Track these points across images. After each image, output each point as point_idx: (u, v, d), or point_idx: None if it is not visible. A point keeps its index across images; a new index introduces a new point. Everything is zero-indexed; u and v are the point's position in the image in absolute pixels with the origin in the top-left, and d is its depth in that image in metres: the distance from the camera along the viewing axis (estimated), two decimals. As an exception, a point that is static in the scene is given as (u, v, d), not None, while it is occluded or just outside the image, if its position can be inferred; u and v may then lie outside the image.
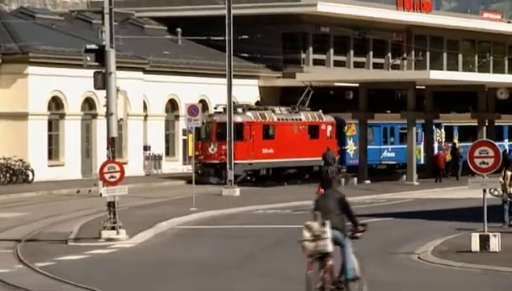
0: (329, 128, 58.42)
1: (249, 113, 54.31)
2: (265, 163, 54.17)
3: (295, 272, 23.25)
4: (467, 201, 37.56)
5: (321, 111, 60.08)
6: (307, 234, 16.52)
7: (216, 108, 55.96)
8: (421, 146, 61.99)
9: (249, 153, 53.04)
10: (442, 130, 65.42)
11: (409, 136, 58.01)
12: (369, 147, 59.40)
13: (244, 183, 51.23)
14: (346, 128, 60.37)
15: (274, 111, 56.44)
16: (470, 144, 64.29)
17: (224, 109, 51.84)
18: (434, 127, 63.17)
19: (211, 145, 52.73)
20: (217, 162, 51.87)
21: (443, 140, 65.11)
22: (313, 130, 57.52)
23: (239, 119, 52.70)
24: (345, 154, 60.16)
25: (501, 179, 30.24)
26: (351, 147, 60.29)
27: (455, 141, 63.91)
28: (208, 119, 53.74)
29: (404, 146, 58.44)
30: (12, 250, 27.15)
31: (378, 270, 23.07)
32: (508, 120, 67.28)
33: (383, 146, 61.48)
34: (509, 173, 30.75)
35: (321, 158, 53.57)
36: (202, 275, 22.98)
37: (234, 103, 55.48)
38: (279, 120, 55.74)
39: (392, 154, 61.78)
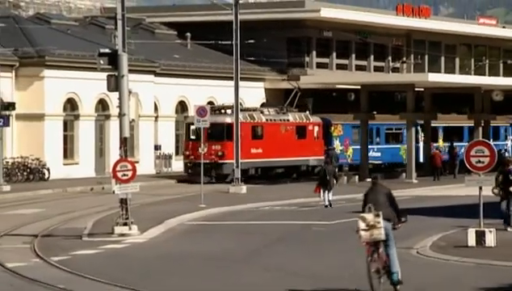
0: (316, 128, 57.67)
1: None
2: (254, 163, 52.79)
3: (299, 266, 23.32)
4: (463, 198, 37.57)
5: (307, 111, 59.55)
6: (362, 224, 17.62)
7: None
8: (406, 146, 61.48)
9: (239, 153, 52.63)
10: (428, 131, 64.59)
11: (408, 136, 57.96)
12: (355, 147, 59.10)
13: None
14: (332, 128, 59.48)
15: (262, 112, 55.71)
16: (454, 144, 63.42)
17: (215, 110, 51.78)
18: (419, 127, 62.60)
19: (202, 146, 52.08)
20: (208, 161, 50.56)
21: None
22: (301, 130, 56.71)
23: (228, 119, 51.88)
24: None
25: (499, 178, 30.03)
26: (337, 147, 59.41)
27: (440, 141, 63.45)
28: None
29: (390, 146, 58.33)
30: (29, 244, 27.20)
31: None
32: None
33: (369, 146, 59.96)
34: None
35: (307, 158, 53.38)
36: (210, 269, 23.01)
37: (223, 104, 55.26)
38: (267, 120, 54.71)
39: (378, 154, 60.74)
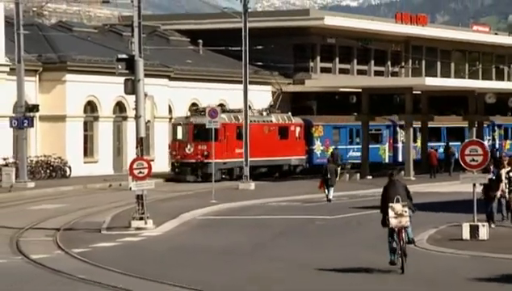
0: (298, 129, 56.32)
1: (223, 115, 50.54)
2: (238, 162, 50.40)
3: (301, 257, 23.30)
4: (458, 195, 37.50)
5: (290, 113, 58.63)
6: (391, 213, 19.62)
7: (195, 110, 54.05)
8: (386, 146, 60.89)
9: (224, 153, 50.75)
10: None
11: (406, 136, 57.91)
12: (335, 147, 57.46)
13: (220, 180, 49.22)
14: (313, 129, 58.05)
15: None
16: (433, 144, 62.26)
17: (200, 111, 50.57)
18: (398, 128, 61.96)
19: (188, 146, 50.50)
20: (194, 161, 49.84)
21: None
22: (283, 131, 55.23)
23: None
24: (312, 154, 57.83)
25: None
26: (318, 147, 58.10)
27: (418, 141, 62.01)
28: (185, 121, 52.12)
29: (370, 146, 56.91)
30: (52, 237, 27.25)
31: (379, 256, 23.07)
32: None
33: (349, 146, 59.14)
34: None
35: (290, 158, 52.77)
36: (220, 261, 23.00)
37: (208, 105, 54.16)
38: (251, 121, 52.11)
39: (358, 154, 58.41)
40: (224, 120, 50.75)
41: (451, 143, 61.01)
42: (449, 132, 64.80)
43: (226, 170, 51.55)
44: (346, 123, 60.41)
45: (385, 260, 21.77)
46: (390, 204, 19.70)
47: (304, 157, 56.08)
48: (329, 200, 39.42)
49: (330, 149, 57.51)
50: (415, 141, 62.26)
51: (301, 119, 57.46)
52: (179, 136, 51.69)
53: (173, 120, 55.04)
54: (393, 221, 19.62)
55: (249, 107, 51.50)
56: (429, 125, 61.75)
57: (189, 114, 53.74)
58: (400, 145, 62.07)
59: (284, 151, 52.94)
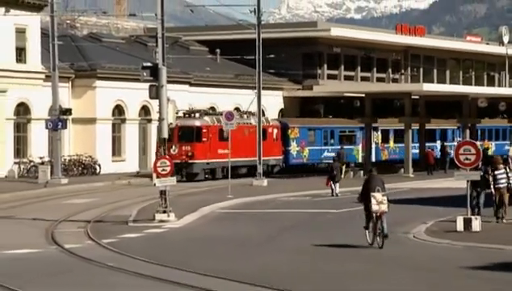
0: (275, 131, 53.90)
1: (206, 118, 49.78)
2: (220, 162, 48.51)
3: (310, 247, 23.30)
4: (453, 190, 37.40)
5: (267, 115, 56.93)
6: (373, 201, 21.63)
7: (177, 113, 51.76)
8: (360, 147, 58.91)
9: (207, 154, 48.85)
10: (379, 133, 61.20)
11: (405, 137, 57.80)
12: (311, 148, 56.23)
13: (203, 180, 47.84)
14: (289, 131, 55.42)
15: None
16: (403, 145, 59.01)
17: (184, 114, 49.49)
18: (371, 130, 59.45)
19: (173, 147, 47.45)
20: (179, 161, 46.55)
21: (380, 141, 61.27)
22: (262, 133, 50.78)
23: (198, 123, 49.15)
24: (288, 154, 55.30)
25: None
26: (294, 148, 55.61)
27: (390, 142, 61.22)
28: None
29: (344, 147, 55.02)
30: (83, 229, 27.33)
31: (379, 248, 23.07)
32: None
33: (323, 147, 56.55)
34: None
35: (268, 158, 51.12)
36: (235, 250, 23.02)
37: (192, 108, 51.96)
38: None
39: (332, 154, 54.82)
40: (207, 123, 49.41)
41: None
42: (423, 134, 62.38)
43: (209, 170, 49.42)
44: (321, 125, 58.66)
45: (383, 249, 21.84)
46: (372, 194, 21.69)
47: (280, 157, 53.98)
48: (336, 195, 39.75)
49: (305, 150, 56.15)
50: (388, 141, 61.46)
51: (278, 121, 55.78)
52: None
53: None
54: (375, 207, 21.59)
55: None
56: (400, 127, 59.91)
57: (177, 115, 52.25)
58: (372, 145, 59.07)
59: (263, 152, 49.30)
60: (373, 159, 57.45)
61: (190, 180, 47.06)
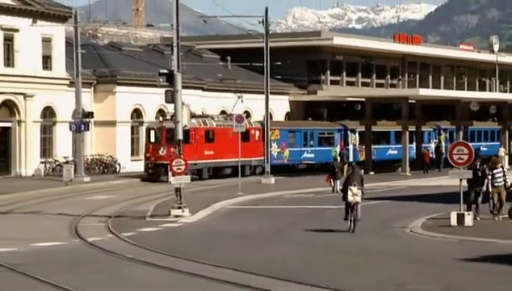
0: (257, 133, 51.65)
1: (193, 120, 46.62)
2: (207, 163, 47.51)
3: (314, 240, 23.30)
4: (447, 188, 37.36)
5: (250, 118, 55.65)
6: (350, 193, 24.05)
7: (163, 116, 49.60)
8: (338, 148, 56.57)
9: (194, 155, 46.32)
10: (357, 135, 59.50)
11: (403, 138, 57.74)
12: (291, 149, 54.58)
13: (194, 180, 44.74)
14: (270, 133, 52.00)
15: (213, 119, 50.16)
16: (382, 146, 58.58)
17: (171, 117, 46.42)
18: (349, 132, 58.63)
19: (161, 148, 46.10)
20: (167, 162, 44.28)
21: (357, 143, 59.50)
22: (245, 135, 48.61)
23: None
24: (270, 155, 51.64)
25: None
26: (275, 149, 53.58)
27: (370, 144, 58.26)
28: (158, 125, 47.75)
29: (322, 148, 54.35)
30: (104, 223, 27.38)
31: (380, 240, 23.10)
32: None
33: (303, 148, 54.55)
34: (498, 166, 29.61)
35: (251, 159, 49.46)
36: (244, 243, 23.02)
37: (203, 112, 50.13)
38: (217, 125, 48.86)
39: (312, 155, 55.02)
40: (194, 125, 47.26)
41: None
42: (399, 136, 59.97)
43: (196, 171, 46.96)
44: (300, 127, 57.01)
45: (381, 242, 21.83)
46: (349, 187, 24.12)
47: (262, 158, 51.34)
48: (337, 191, 39.55)
49: (286, 151, 54.64)
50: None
51: (260, 123, 52.84)
52: (152, 139, 47.59)
53: (147, 125, 50.30)
54: (350, 198, 24.08)
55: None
56: (381, 130, 59.17)
57: (161, 119, 48.98)
58: (350, 146, 58.45)
59: (246, 153, 47.51)
60: (351, 159, 56.09)
61: None
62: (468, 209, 26.62)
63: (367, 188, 42.13)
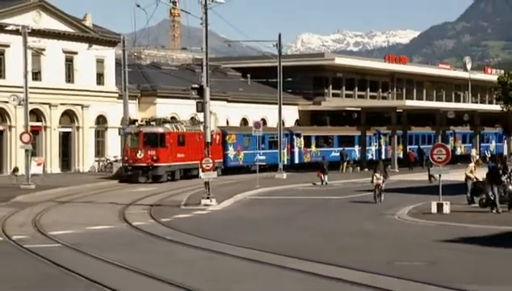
0: (218, 137, 47.14)
1: (167, 125, 43.76)
2: (179, 165, 43.51)
3: (320, 225, 23.24)
4: (428, 182, 37.13)
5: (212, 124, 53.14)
6: (375, 177, 30.29)
7: (142, 121, 45.31)
8: (285, 151, 51.97)
9: (169, 157, 42.74)
10: (302, 139, 55.45)
11: (392, 142, 57.48)
12: (246, 152, 50.59)
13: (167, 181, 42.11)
14: (227, 137, 49.65)
15: (183, 123, 45.92)
16: (325, 149, 56.09)
17: (147, 122, 43.82)
18: (295, 136, 54.45)
19: (139, 151, 41.93)
20: (144, 165, 41.77)
21: (302, 146, 55.47)
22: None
23: (161, 130, 42.90)
24: (227, 158, 49.69)
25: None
26: (232, 152, 49.98)
27: (312, 146, 55.91)
28: (136, 130, 43.00)
29: (272, 151, 49.85)
30: (147, 210, 27.35)
31: (373, 225, 22.99)
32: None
33: (256, 151, 49.79)
34: (471, 165, 28.98)
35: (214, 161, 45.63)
36: (262, 227, 22.94)
37: (153, 117, 46.07)
38: (187, 130, 44.81)
39: (263, 157, 50.39)
40: (169, 129, 43.41)
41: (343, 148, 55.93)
42: (341, 140, 58.14)
43: (170, 172, 43.24)
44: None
45: (376, 227, 21.72)
46: (374, 174, 30.37)
47: (221, 160, 48.76)
48: (326, 183, 40.26)
49: (241, 154, 50.22)
50: (310, 146, 56.00)
51: (219, 128, 48.98)
52: (130, 143, 42.90)
53: (126, 130, 44.94)
54: (375, 181, 30.20)
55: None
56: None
57: (139, 124, 44.57)
58: (296, 149, 54.44)
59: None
60: (296, 161, 53.41)
61: (155, 182, 41.36)
62: (486, 204, 24.90)
63: (363, 182, 42.58)
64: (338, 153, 54.83)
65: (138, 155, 40.31)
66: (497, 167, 25.98)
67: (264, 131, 51.71)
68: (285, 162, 52.00)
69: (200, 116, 37.17)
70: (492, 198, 25.14)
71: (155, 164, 42.01)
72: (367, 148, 59.47)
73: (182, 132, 44.30)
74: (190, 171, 44.12)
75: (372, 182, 30.32)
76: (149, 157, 41.86)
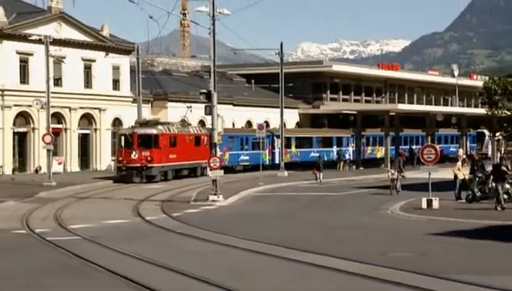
0: (206, 138, 44.26)
1: (160, 126, 41.84)
2: (171, 166, 41.90)
3: (320, 220, 23.21)
4: (419, 179, 37.11)
5: (199, 125, 50.15)
6: (390, 172, 32.65)
7: (136, 123, 43.49)
8: (267, 152, 50.97)
9: (162, 158, 41.05)
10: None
11: (385, 143, 57.39)
12: (230, 152, 48.79)
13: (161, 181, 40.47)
14: None
15: (174, 125, 43.83)
16: (306, 150, 55.31)
17: (140, 124, 42.13)
18: (275, 138, 51.96)
19: (134, 152, 40.11)
20: (138, 165, 40.05)
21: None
22: (197, 140, 44.93)
23: (155, 131, 41.05)
24: None
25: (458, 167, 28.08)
26: (218, 153, 50.43)
27: (292, 147, 54.43)
28: (130, 131, 41.20)
29: (255, 152, 47.53)
30: (159, 206, 27.34)
31: (368, 219, 22.96)
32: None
33: (240, 152, 49.08)
34: (458, 163, 28.97)
35: (201, 161, 42.40)
36: (265, 221, 22.92)
37: (145, 119, 44.33)
38: (178, 132, 43.14)
39: (247, 157, 49.35)
40: (162, 131, 41.58)
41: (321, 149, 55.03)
42: (320, 141, 56.95)
43: (163, 173, 41.55)
44: (238, 133, 51.27)
45: (372, 221, 21.69)
46: (389, 169, 33.09)
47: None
48: (320, 181, 40.04)
49: (226, 154, 48.14)
50: (290, 147, 53.96)
51: (207, 130, 44.79)
52: (124, 144, 41.02)
53: (120, 131, 43.88)
54: (391, 176, 32.21)
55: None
56: (300, 135, 55.77)
57: (133, 125, 43.01)
58: (276, 150, 52.13)
59: (198, 156, 43.22)
60: (277, 161, 51.12)
61: (149, 182, 39.65)
62: (472, 200, 24.65)
63: (359, 180, 42.52)
64: (317, 154, 52.85)
65: (132, 156, 39.16)
66: (501, 165, 25.34)
67: (247, 132, 51.13)
68: (267, 162, 50.59)
69: (208, 119, 37.21)
70: (481, 193, 25.49)
71: (149, 165, 40.29)
72: (345, 148, 58.55)
73: (174, 134, 42.70)
74: (180, 171, 42.82)
75: (389, 175, 32.68)
76: (143, 157, 40.19)
